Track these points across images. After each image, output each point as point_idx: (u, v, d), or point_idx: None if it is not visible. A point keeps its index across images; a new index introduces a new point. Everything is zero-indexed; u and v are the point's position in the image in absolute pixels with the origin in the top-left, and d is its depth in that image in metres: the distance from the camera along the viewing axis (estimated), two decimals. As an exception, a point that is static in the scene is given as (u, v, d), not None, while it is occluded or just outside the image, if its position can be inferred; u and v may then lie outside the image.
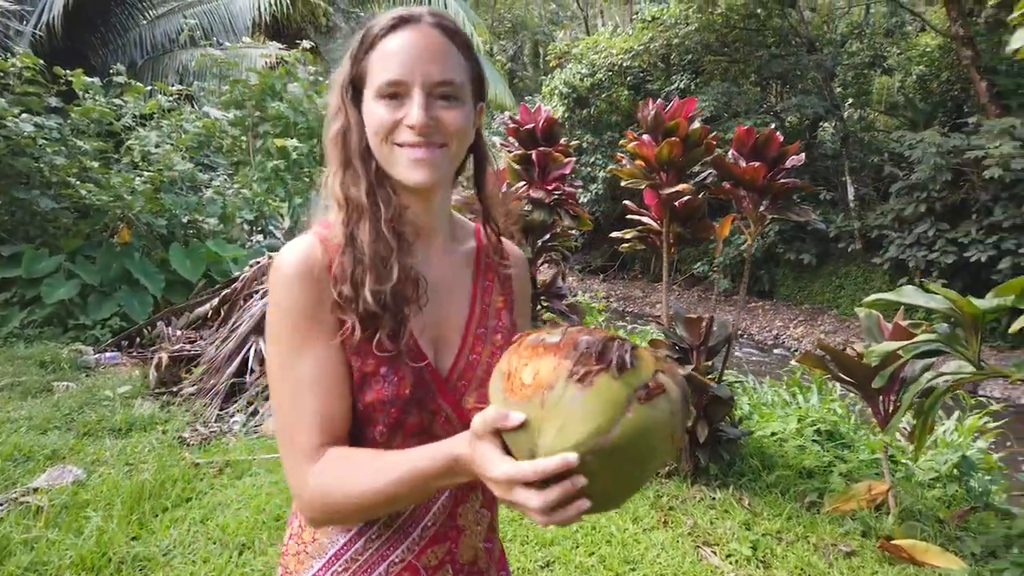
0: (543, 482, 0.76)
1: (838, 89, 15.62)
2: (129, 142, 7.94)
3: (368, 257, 1.02)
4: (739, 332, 12.03)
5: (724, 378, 4.17)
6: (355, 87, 1.09)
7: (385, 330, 1.02)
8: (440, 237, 1.17)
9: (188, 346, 5.73)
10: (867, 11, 17.34)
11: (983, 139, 10.97)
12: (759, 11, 15.74)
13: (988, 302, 2.91)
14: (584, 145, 17.49)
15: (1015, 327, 2.83)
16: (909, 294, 3.07)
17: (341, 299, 1.01)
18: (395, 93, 1.03)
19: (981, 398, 5.87)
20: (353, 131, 1.09)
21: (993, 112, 12.25)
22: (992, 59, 12.71)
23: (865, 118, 16.74)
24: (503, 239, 1.24)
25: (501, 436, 0.81)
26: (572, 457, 0.74)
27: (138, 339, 6.57)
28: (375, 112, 1.05)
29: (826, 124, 16.04)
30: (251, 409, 4.89)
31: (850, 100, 16.35)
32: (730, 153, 4.07)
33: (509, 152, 4.56)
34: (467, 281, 1.19)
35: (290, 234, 9.55)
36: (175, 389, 5.24)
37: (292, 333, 1.00)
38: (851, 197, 14.18)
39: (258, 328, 5.38)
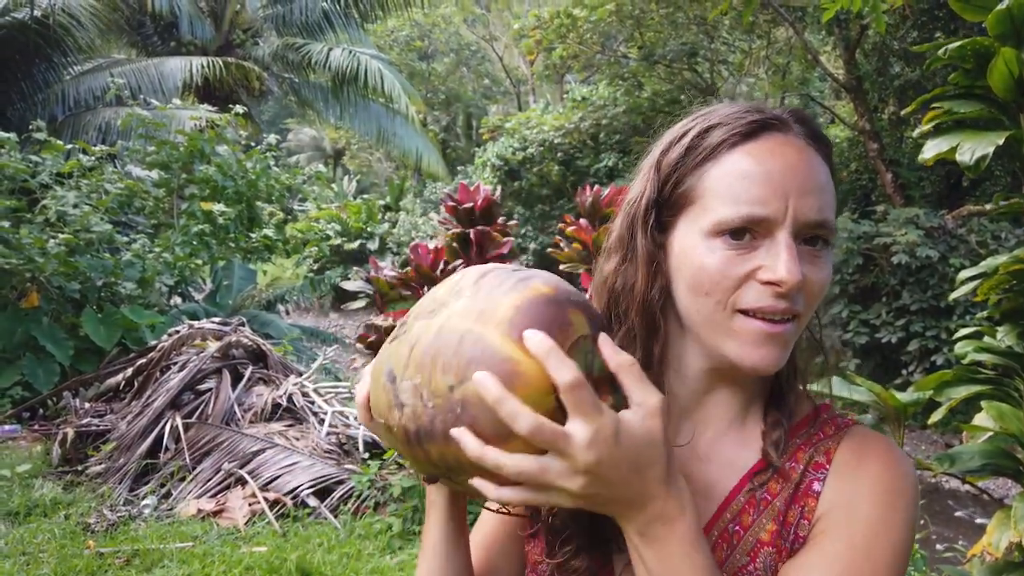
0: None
1: (756, 173, 16.47)
2: (45, 201, 7.61)
3: None
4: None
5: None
6: (660, 212, 0.76)
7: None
8: (712, 427, 0.82)
9: (97, 420, 5.39)
10: (782, 102, 18.47)
11: (890, 227, 11.67)
12: (682, 97, 16.59)
13: (909, 396, 3.12)
14: (515, 216, 17.78)
15: (933, 419, 3.06)
16: (836, 386, 3.19)
17: None
18: (747, 231, 0.70)
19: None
20: (641, 277, 0.75)
21: (898, 202, 13.11)
22: (896, 152, 13.68)
23: (782, 201, 17.65)
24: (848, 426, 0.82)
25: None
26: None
27: (41, 411, 6.15)
28: (709, 255, 0.71)
29: (746, 206, 16.80)
30: (164, 491, 4.60)
31: (768, 184, 17.25)
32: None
33: (448, 230, 4.57)
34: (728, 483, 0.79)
35: (211, 299, 9.28)
36: (81, 468, 4.91)
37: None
38: (771, 276, 14.79)
39: (174, 403, 5.12)
